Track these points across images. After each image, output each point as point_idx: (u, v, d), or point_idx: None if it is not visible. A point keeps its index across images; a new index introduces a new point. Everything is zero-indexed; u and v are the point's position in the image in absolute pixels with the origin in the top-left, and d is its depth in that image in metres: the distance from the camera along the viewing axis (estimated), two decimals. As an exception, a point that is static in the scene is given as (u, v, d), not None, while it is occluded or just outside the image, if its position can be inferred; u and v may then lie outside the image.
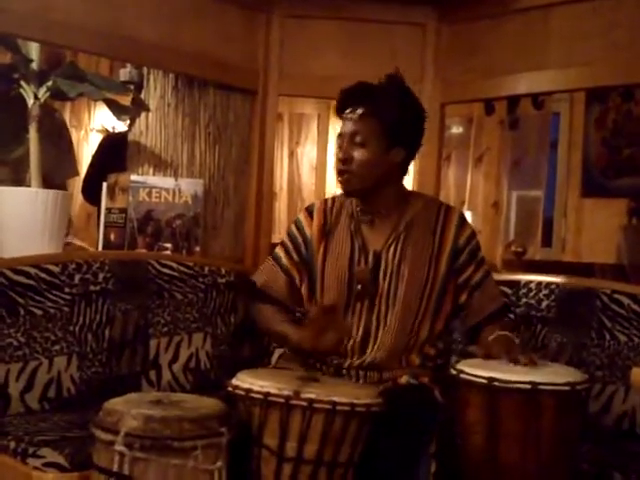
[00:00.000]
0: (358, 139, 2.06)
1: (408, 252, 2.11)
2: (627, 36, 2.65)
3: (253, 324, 2.36)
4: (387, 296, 2.09)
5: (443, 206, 2.20)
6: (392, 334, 2.08)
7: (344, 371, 2.09)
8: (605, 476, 1.96)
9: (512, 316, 2.46)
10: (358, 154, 2.06)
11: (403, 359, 2.11)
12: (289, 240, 2.25)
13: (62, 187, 2.97)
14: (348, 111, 2.09)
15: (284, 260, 2.24)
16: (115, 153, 3.24)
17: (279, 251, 2.27)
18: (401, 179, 2.18)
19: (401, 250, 2.11)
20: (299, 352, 2.13)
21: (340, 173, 2.09)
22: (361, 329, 2.10)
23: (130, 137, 3.04)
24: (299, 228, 2.24)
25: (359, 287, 2.10)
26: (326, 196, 2.65)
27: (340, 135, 2.11)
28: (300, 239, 2.23)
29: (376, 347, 2.08)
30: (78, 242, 3.44)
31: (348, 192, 2.13)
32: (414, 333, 2.11)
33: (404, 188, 2.21)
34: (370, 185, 2.09)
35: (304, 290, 2.22)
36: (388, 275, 2.10)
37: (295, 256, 2.23)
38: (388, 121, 2.06)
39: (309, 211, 2.25)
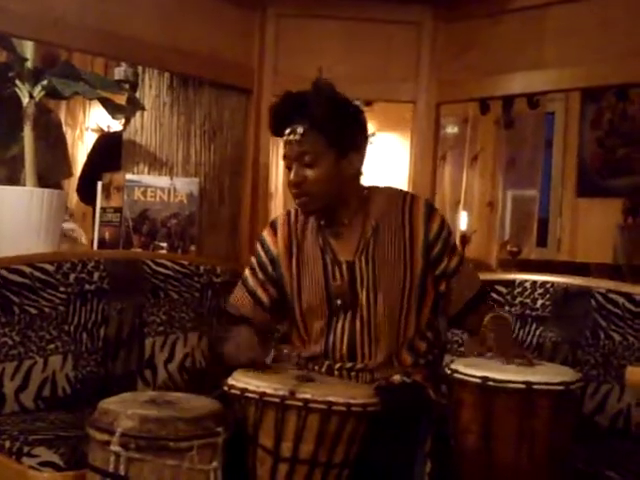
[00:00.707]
0: (307, 159, 1.99)
1: (380, 256, 2.07)
2: (622, 35, 2.66)
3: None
4: (367, 305, 2.05)
5: (408, 197, 2.13)
6: (378, 335, 2.06)
7: (336, 372, 2.07)
8: (600, 475, 1.96)
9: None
10: (311, 174, 1.99)
11: (394, 358, 2.09)
12: (255, 259, 2.19)
13: (57, 187, 2.96)
14: (288, 132, 2.02)
15: (250, 280, 2.17)
16: (110, 152, 3.24)
17: (246, 272, 2.20)
18: (358, 183, 2.12)
19: (373, 255, 2.07)
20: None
21: (297, 196, 2.03)
22: (345, 341, 2.06)
23: (125, 136, 3.04)
24: (264, 246, 2.17)
25: (339, 302, 2.06)
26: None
27: (286, 157, 2.04)
28: (265, 258, 2.16)
29: (365, 351, 2.05)
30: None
31: (309, 213, 2.09)
32: (401, 331, 2.08)
33: (362, 189, 2.13)
34: (329, 201, 2.04)
35: (274, 308, 2.15)
36: (365, 283, 2.06)
37: (261, 275, 2.16)
38: (331, 133, 1.99)
39: (273, 226, 2.18)
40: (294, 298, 2.11)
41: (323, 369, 2.06)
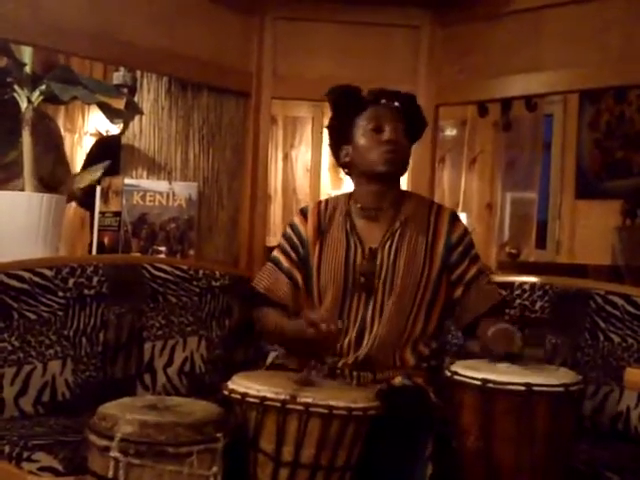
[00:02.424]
0: (400, 128, 2.16)
1: (403, 248, 2.15)
2: (619, 37, 2.66)
3: (258, 328, 2.32)
4: (383, 291, 2.12)
5: (435, 205, 2.27)
6: (387, 324, 2.11)
7: (338, 371, 2.09)
8: (600, 477, 1.96)
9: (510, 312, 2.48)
10: (402, 140, 2.17)
11: (397, 356, 2.12)
12: (286, 242, 2.27)
13: (57, 191, 2.96)
14: (384, 101, 2.20)
15: (284, 262, 2.25)
16: (107, 156, 3.23)
17: (277, 254, 2.28)
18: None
19: (396, 246, 2.15)
20: (295, 350, 2.15)
21: (389, 152, 2.13)
22: (357, 324, 2.12)
23: (124, 140, 3.04)
24: (294, 229, 2.26)
25: (362, 279, 2.13)
26: (321, 198, 2.66)
27: (378, 119, 2.16)
28: (296, 239, 2.25)
29: (371, 338, 2.10)
30: None
31: (390, 172, 2.17)
32: (409, 326, 2.13)
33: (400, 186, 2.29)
34: (403, 172, 2.22)
35: (302, 289, 2.22)
36: (384, 271, 2.13)
37: (294, 256, 2.24)
38: (411, 123, 2.20)
39: (303, 213, 2.28)
40: (313, 276, 2.19)
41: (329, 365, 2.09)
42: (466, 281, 2.18)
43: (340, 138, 2.23)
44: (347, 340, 2.11)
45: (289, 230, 2.28)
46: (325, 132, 2.34)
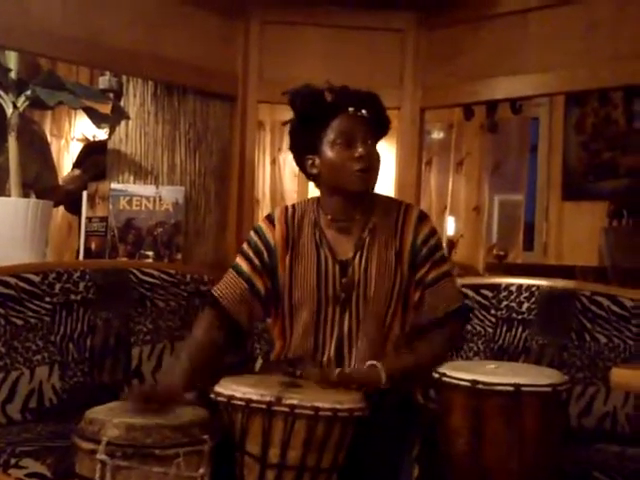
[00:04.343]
0: (370, 139, 2.05)
1: (374, 257, 2.08)
2: (605, 39, 2.68)
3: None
4: (357, 302, 2.07)
5: (403, 205, 2.16)
6: (364, 336, 2.06)
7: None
8: (587, 477, 1.96)
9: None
10: (374, 154, 2.06)
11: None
12: (249, 247, 2.15)
13: (44, 197, 2.95)
14: (352, 109, 2.05)
15: (244, 268, 2.14)
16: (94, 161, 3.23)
17: (239, 260, 2.17)
18: None
19: (367, 256, 2.08)
20: None
21: (364, 170, 2.03)
22: (335, 339, 2.07)
23: (110, 145, 3.03)
24: (260, 235, 2.15)
25: (343, 295, 2.07)
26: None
27: (348, 132, 2.04)
28: (262, 246, 2.14)
29: (353, 355, 2.06)
30: None
31: (365, 191, 2.07)
32: (386, 333, 2.08)
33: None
34: (374, 184, 2.09)
35: (265, 299, 2.13)
36: (357, 281, 2.07)
37: (257, 262, 2.13)
38: (379, 127, 2.10)
39: (270, 219, 2.17)
40: (285, 290, 2.10)
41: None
42: (425, 284, 2.09)
43: (305, 147, 2.10)
44: (326, 357, 2.06)
45: (253, 235, 2.16)
46: (286, 136, 2.25)
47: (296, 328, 2.10)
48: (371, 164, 2.03)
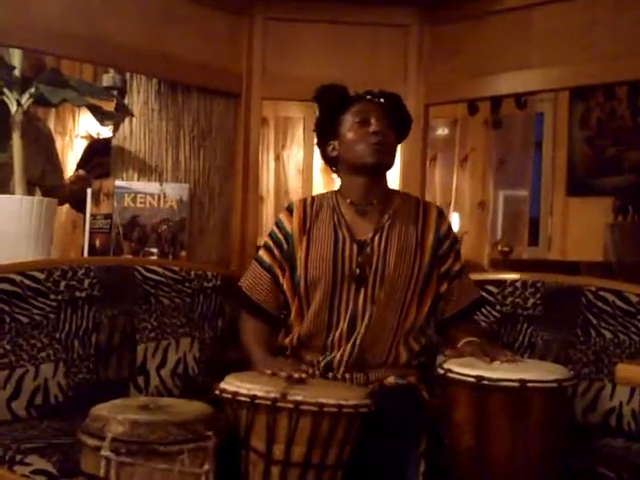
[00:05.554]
0: (386, 121, 2.18)
1: (394, 240, 2.17)
2: (608, 34, 2.67)
3: (239, 336, 2.34)
4: (374, 282, 2.13)
5: (421, 201, 2.32)
6: (378, 316, 2.11)
7: (330, 374, 2.09)
8: (592, 472, 1.96)
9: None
10: (389, 132, 2.19)
11: (390, 351, 2.13)
12: (270, 239, 2.29)
13: (49, 194, 2.95)
14: (369, 97, 2.22)
15: (266, 259, 2.27)
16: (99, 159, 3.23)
17: (261, 252, 2.31)
18: None
19: (387, 239, 2.17)
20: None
21: (377, 143, 2.15)
22: (349, 315, 2.13)
23: (114, 142, 3.03)
24: (279, 226, 2.29)
25: (357, 271, 2.14)
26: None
27: (366, 112, 2.19)
28: (281, 235, 2.27)
29: (363, 327, 2.10)
30: None
31: (378, 163, 2.18)
32: (401, 319, 2.14)
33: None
34: (390, 165, 2.23)
35: (287, 285, 2.23)
36: (375, 262, 2.15)
37: (277, 252, 2.26)
38: (396, 119, 2.23)
39: (289, 209, 2.30)
40: (300, 269, 2.20)
41: (322, 364, 2.11)
42: (451, 276, 2.22)
43: (327, 134, 2.26)
44: (338, 333, 2.12)
45: (274, 227, 2.31)
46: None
47: (312, 306, 2.17)
48: (384, 139, 2.17)
